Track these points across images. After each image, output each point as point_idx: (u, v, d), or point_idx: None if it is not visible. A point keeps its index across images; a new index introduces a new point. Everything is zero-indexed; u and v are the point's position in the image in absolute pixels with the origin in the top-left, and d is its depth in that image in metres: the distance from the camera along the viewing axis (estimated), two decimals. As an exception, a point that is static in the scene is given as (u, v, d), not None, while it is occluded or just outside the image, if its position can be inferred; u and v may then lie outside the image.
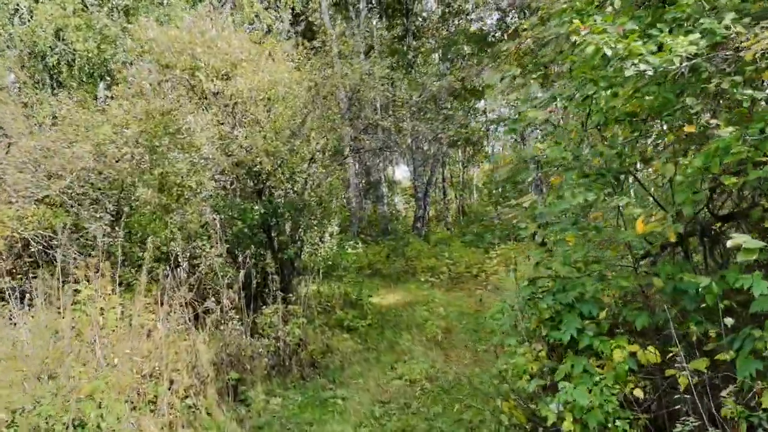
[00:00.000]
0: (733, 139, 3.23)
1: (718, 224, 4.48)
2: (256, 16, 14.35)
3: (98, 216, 8.58)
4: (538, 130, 13.77)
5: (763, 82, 3.85)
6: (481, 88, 20.09)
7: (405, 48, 20.07)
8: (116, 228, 8.17)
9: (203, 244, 8.32)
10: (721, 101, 3.61)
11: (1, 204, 8.18)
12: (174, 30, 8.78)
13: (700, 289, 3.67)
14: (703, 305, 3.78)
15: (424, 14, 22.47)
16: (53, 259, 7.47)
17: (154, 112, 8.59)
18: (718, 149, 3.24)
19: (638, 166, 4.65)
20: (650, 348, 4.17)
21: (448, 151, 22.82)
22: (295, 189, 9.54)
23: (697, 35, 3.25)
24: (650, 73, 3.30)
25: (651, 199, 4.98)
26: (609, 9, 4.09)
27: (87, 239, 8.46)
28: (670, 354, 3.85)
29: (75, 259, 7.86)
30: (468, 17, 21.20)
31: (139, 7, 12.67)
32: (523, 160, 5.07)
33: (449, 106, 18.06)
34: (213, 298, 7.42)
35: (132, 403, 5.71)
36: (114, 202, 8.95)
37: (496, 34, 20.43)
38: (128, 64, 11.58)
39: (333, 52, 10.97)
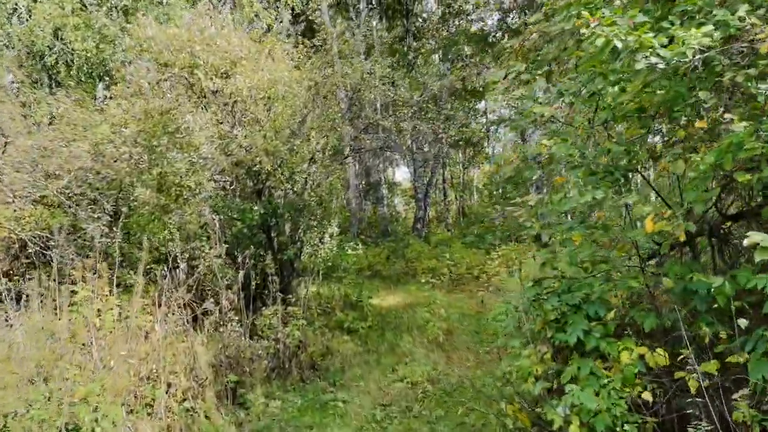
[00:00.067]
0: (747, 135, 3.14)
1: (728, 223, 4.38)
2: (256, 15, 14.28)
3: (96, 216, 8.48)
4: (538, 131, 13.74)
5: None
6: (481, 89, 20.04)
7: (405, 49, 20.00)
8: (114, 228, 8.10)
9: (202, 245, 8.23)
10: (733, 96, 3.50)
11: (-1, 204, 8.11)
12: (173, 28, 8.69)
13: (711, 290, 3.57)
14: (714, 306, 3.68)
15: (424, 15, 22.39)
16: (51, 260, 7.38)
17: (153, 112, 8.50)
18: (731, 145, 3.14)
19: (643, 164, 4.54)
20: (659, 350, 4.08)
21: (449, 152, 22.77)
22: (295, 189, 9.45)
23: (711, 27, 3.16)
24: (662, 66, 3.20)
25: (657, 197, 4.89)
26: (617, 2, 3.99)
27: (85, 240, 8.37)
28: (680, 356, 3.75)
29: (72, 260, 7.78)
30: (468, 18, 21.13)
31: (139, 7, 12.58)
32: (527, 159, 4.95)
33: (449, 107, 17.98)
34: (212, 300, 7.33)
35: (129, 406, 5.60)
36: (112, 202, 8.86)
37: (497, 35, 20.40)
38: (127, 63, 11.51)
39: (333, 51, 10.86)
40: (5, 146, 8.79)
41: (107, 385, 5.35)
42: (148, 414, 5.70)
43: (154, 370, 6.02)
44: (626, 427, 3.87)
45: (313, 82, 9.38)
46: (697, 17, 3.41)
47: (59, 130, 8.89)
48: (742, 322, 3.41)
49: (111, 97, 9.89)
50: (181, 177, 8.59)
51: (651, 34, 3.23)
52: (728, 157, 3.16)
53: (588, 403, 3.92)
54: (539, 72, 4.81)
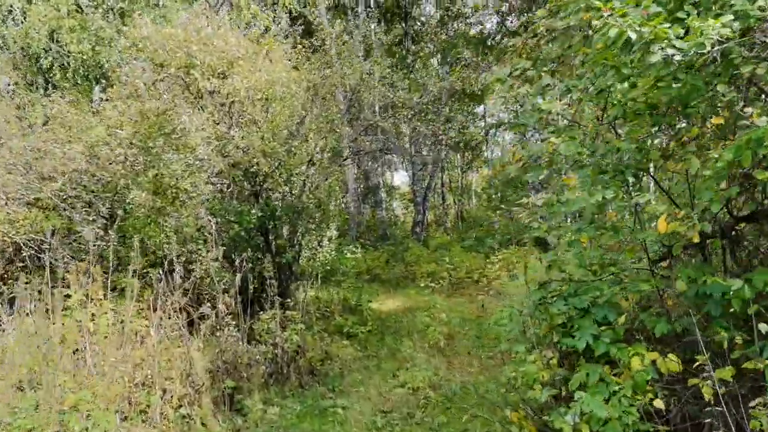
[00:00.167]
0: (768, 131, 3.01)
1: (743, 225, 4.25)
2: (253, 17, 14.16)
3: (91, 219, 8.34)
4: (537, 133, 13.62)
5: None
6: (479, 92, 19.94)
7: (404, 52, 19.92)
8: (109, 231, 7.96)
9: (199, 248, 8.09)
10: (752, 89, 3.37)
11: (-9, 207, 7.97)
12: (169, 28, 8.57)
13: (726, 294, 3.44)
14: (731, 310, 3.55)
15: (423, 18, 22.32)
16: (45, 264, 7.24)
17: (149, 113, 8.35)
18: (751, 141, 3.01)
19: (651, 163, 4.40)
20: (671, 356, 3.94)
21: (449, 155, 22.69)
22: (293, 191, 9.31)
23: (730, 17, 3.03)
24: (678, 58, 3.07)
25: (666, 197, 4.76)
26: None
27: (80, 243, 8.23)
28: (696, 363, 3.61)
29: (67, 263, 7.64)
30: (467, 21, 21.07)
31: (135, 9, 12.45)
32: (533, 158, 4.82)
33: (448, 110, 17.89)
34: (209, 304, 7.17)
35: (123, 413, 5.45)
36: (107, 205, 8.71)
37: (496, 38, 20.33)
38: (123, 65, 11.38)
39: (332, 52, 10.75)
40: (-2, 148, 8.65)
41: (100, 392, 5.21)
42: (143, 421, 5.56)
43: (149, 376, 5.87)
44: (638, 435, 3.74)
45: (312, 83, 9.26)
46: (714, 8, 3.29)
47: (52, 131, 8.75)
48: (763, 327, 3.27)
49: (107, 100, 9.76)
50: (177, 179, 8.45)
51: (666, 25, 3.10)
52: (747, 153, 3.02)
53: (598, 411, 3.78)
54: (545, 69, 4.68)
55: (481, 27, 21.37)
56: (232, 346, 6.88)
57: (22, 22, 12.74)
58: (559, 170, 4.64)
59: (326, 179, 10.02)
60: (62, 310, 6.21)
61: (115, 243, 7.53)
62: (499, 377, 6.73)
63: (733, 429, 3.43)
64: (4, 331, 6.41)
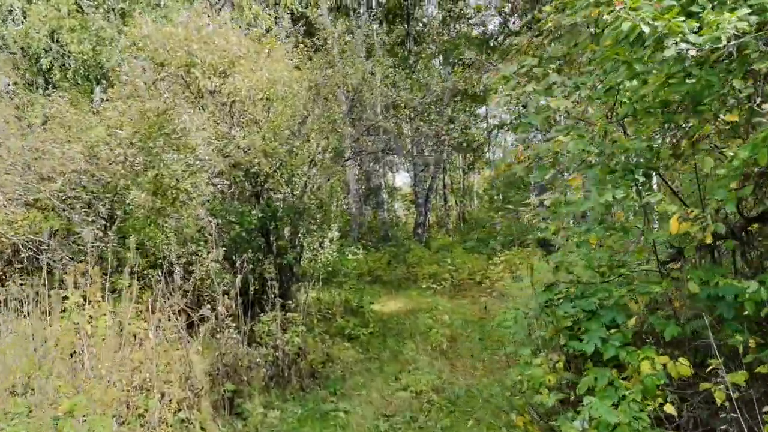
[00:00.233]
0: (786, 127, 2.91)
1: (756, 225, 4.15)
2: (255, 17, 14.09)
3: (90, 220, 8.25)
4: (542, 134, 13.51)
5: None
6: (482, 93, 19.88)
7: (406, 52, 19.85)
8: (109, 232, 7.87)
9: (199, 249, 8.00)
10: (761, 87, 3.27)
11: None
12: (169, 27, 8.49)
13: (744, 296, 3.34)
14: (744, 313, 3.45)
15: (425, 19, 22.26)
16: (43, 265, 7.16)
17: (149, 112, 8.27)
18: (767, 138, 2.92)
19: (666, 162, 4.30)
20: (681, 359, 3.84)
21: (450, 156, 22.63)
22: (295, 192, 9.22)
23: (746, 10, 2.93)
24: (693, 52, 2.97)
25: (675, 197, 4.67)
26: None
27: (79, 244, 8.15)
28: (709, 367, 3.51)
29: (65, 264, 7.56)
30: (469, 21, 21.01)
31: (136, 9, 12.39)
32: (538, 158, 4.72)
33: (450, 110, 17.83)
34: (208, 305, 7.07)
35: (120, 417, 5.35)
36: (107, 205, 8.63)
37: (499, 39, 20.25)
38: (124, 64, 11.31)
39: (334, 51, 10.67)
40: (-4, 148, 8.56)
41: (97, 396, 5.11)
42: (141, 425, 5.45)
43: (148, 379, 5.77)
44: (649, 442, 3.64)
45: (314, 83, 9.17)
46: (728, 2, 3.19)
47: (51, 131, 8.67)
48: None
49: (107, 100, 9.69)
50: (177, 179, 8.36)
51: (680, 19, 3.01)
52: (764, 151, 2.93)
53: (608, 417, 3.68)
54: (552, 66, 4.58)
55: (483, 28, 21.32)
56: (232, 348, 6.79)
57: (22, 22, 12.69)
58: (563, 170, 4.55)
59: (328, 180, 9.93)
60: (60, 312, 6.11)
61: (115, 244, 7.45)
62: (504, 380, 6.64)
63: (748, 435, 3.33)
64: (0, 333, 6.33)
